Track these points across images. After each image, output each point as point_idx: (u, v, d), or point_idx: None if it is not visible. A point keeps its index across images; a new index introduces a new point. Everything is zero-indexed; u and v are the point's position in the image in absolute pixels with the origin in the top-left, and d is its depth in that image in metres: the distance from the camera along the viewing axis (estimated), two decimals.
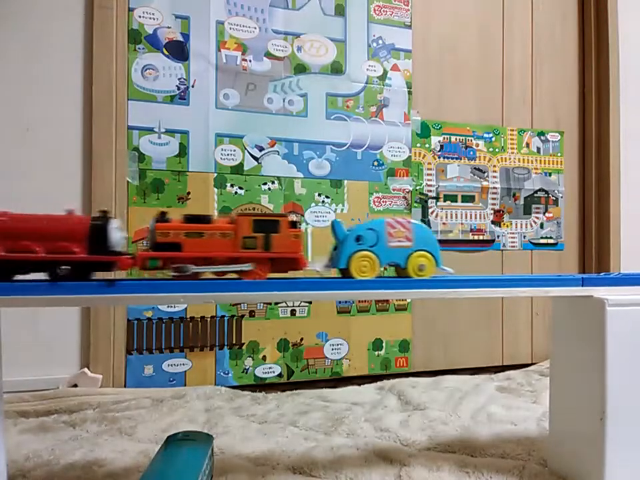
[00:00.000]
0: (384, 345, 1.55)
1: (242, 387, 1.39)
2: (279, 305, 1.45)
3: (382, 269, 0.75)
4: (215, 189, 1.42)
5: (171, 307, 1.37)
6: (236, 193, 1.43)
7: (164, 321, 1.37)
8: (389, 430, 1.05)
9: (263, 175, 1.46)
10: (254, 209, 1.44)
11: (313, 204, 1.50)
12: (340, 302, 1.50)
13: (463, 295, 0.75)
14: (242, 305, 1.42)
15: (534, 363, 1.70)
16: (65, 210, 0.65)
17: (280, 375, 1.45)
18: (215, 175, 1.42)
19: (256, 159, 1.45)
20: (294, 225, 0.71)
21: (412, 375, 1.53)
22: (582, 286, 0.79)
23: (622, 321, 0.76)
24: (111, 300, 0.65)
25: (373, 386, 1.43)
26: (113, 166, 1.34)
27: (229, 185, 1.43)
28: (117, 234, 0.65)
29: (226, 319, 1.42)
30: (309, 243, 1.49)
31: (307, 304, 1.48)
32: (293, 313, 1.47)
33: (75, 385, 1.29)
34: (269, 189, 1.46)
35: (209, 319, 1.41)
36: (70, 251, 0.62)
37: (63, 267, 0.61)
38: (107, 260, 0.64)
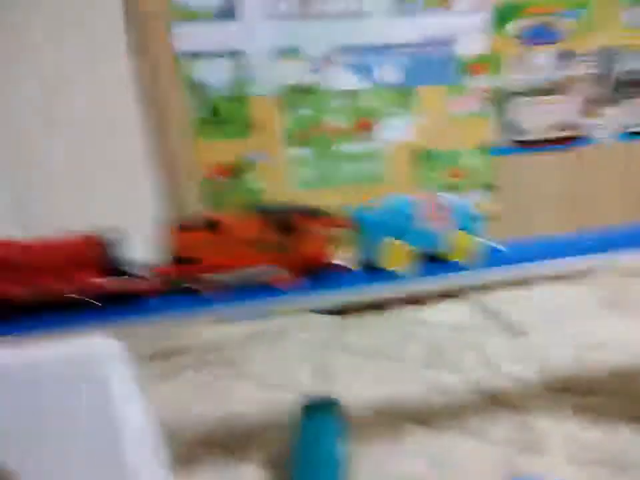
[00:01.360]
0: None
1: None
2: None
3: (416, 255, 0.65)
4: (279, 112, 1.31)
5: None
6: (301, 113, 1.32)
7: None
8: (499, 365, 1.04)
9: (327, 90, 1.33)
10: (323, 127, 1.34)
11: (385, 116, 1.37)
12: None
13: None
14: None
15: None
16: None
17: None
18: (276, 96, 1.30)
19: (317, 72, 1.32)
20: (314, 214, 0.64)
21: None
22: None
23: None
24: None
25: (463, 305, 1.38)
26: (170, 99, 1.26)
27: (293, 106, 1.31)
28: None
29: None
30: (383, 161, 1.40)
31: None
32: None
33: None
34: (336, 104, 1.34)
35: None
36: None
37: None
38: None
